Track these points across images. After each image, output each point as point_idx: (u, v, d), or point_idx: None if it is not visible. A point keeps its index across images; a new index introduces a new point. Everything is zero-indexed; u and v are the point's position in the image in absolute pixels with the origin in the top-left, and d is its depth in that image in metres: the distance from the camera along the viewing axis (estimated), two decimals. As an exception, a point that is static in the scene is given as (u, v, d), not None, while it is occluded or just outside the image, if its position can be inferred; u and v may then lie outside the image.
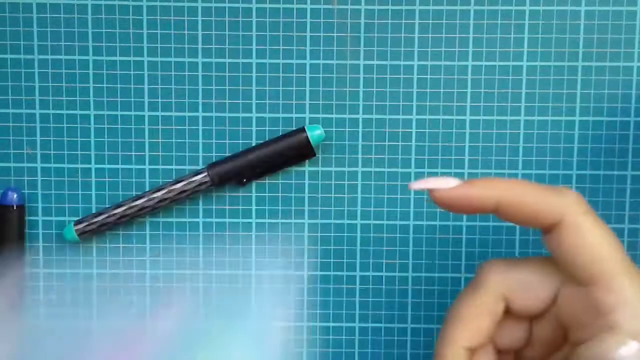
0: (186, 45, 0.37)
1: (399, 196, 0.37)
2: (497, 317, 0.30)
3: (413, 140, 0.37)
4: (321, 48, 0.37)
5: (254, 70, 0.37)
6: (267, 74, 0.37)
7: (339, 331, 0.38)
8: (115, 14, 0.36)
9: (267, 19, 0.37)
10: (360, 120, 0.37)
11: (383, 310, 0.38)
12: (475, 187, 0.29)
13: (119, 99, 0.37)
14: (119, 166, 0.37)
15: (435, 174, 0.37)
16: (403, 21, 0.37)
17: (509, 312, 0.31)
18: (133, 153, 0.37)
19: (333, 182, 0.37)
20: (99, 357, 0.28)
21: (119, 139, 0.37)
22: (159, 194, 0.36)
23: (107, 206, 0.37)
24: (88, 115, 0.37)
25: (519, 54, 0.37)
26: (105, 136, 0.37)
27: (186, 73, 0.37)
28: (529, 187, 0.29)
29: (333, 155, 0.37)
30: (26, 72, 0.37)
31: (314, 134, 0.36)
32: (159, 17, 0.37)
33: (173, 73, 0.37)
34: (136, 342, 0.28)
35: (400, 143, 0.37)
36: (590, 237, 0.28)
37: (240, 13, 0.37)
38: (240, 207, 0.38)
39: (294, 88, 0.37)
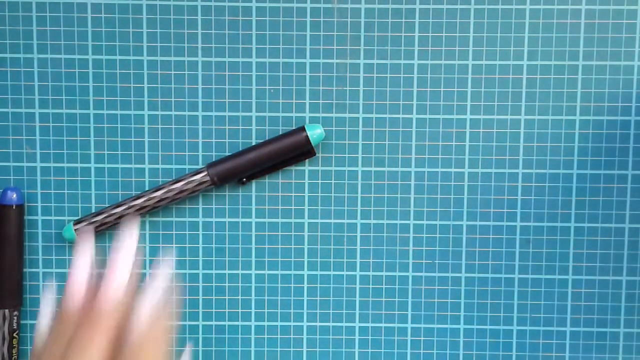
0: (186, 44, 0.37)
1: (399, 195, 0.37)
2: None
3: (413, 140, 0.37)
4: (321, 47, 0.37)
5: (254, 69, 0.37)
6: (267, 73, 0.37)
7: (339, 331, 0.38)
8: (115, 13, 0.36)
9: (267, 18, 0.36)
10: (360, 119, 0.37)
11: (383, 310, 0.38)
12: None
13: (118, 98, 0.37)
14: (119, 165, 0.37)
15: (435, 174, 0.37)
16: (403, 20, 0.36)
17: None
18: (132, 152, 0.37)
19: (333, 182, 0.37)
20: None
21: (119, 138, 0.37)
22: (158, 193, 0.36)
23: (106, 205, 0.37)
24: (87, 115, 0.37)
25: (520, 53, 0.37)
26: (105, 135, 0.37)
27: (186, 72, 0.37)
28: None
29: (333, 155, 0.37)
30: (25, 71, 0.37)
31: (314, 133, 0.36)
32: (158, 16, 0.36)
33: (172, 72, 0.37)
34: None
35: (400, 142, 0.37)
36: None
37: (240, 12, 0.36)
38: (240, 207, 0.38)
39: (294, 87, 0.37)
